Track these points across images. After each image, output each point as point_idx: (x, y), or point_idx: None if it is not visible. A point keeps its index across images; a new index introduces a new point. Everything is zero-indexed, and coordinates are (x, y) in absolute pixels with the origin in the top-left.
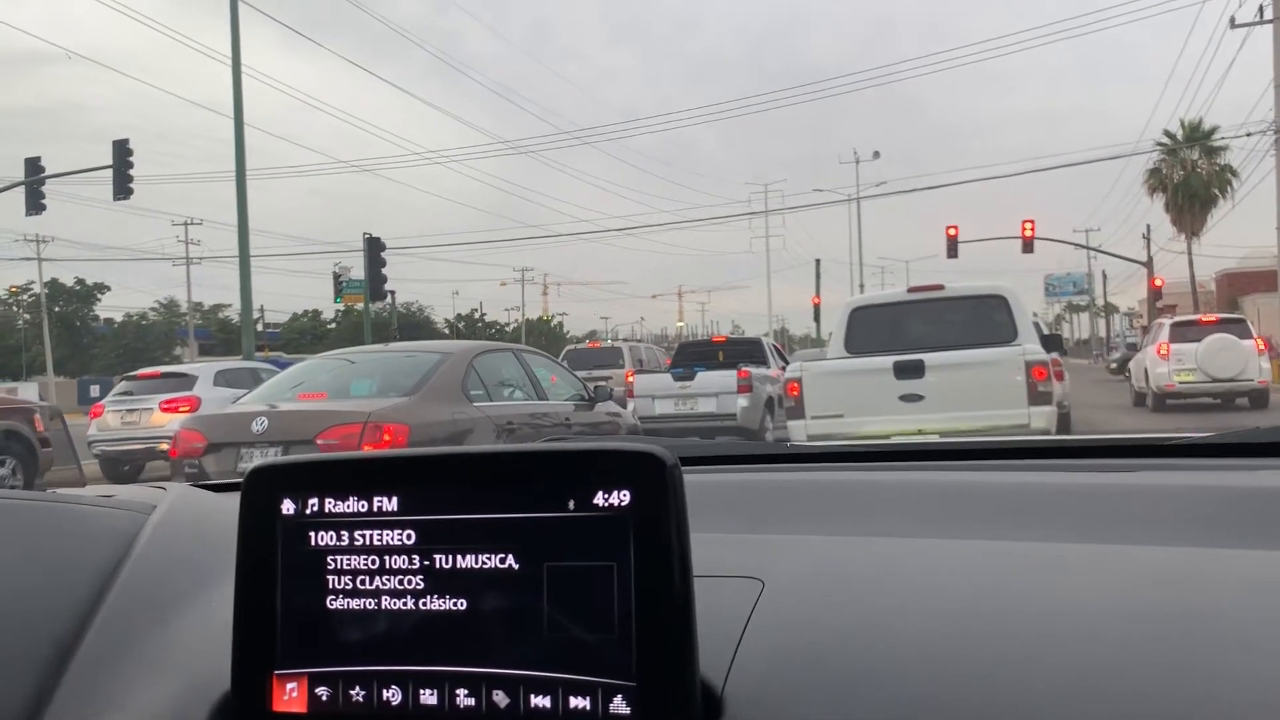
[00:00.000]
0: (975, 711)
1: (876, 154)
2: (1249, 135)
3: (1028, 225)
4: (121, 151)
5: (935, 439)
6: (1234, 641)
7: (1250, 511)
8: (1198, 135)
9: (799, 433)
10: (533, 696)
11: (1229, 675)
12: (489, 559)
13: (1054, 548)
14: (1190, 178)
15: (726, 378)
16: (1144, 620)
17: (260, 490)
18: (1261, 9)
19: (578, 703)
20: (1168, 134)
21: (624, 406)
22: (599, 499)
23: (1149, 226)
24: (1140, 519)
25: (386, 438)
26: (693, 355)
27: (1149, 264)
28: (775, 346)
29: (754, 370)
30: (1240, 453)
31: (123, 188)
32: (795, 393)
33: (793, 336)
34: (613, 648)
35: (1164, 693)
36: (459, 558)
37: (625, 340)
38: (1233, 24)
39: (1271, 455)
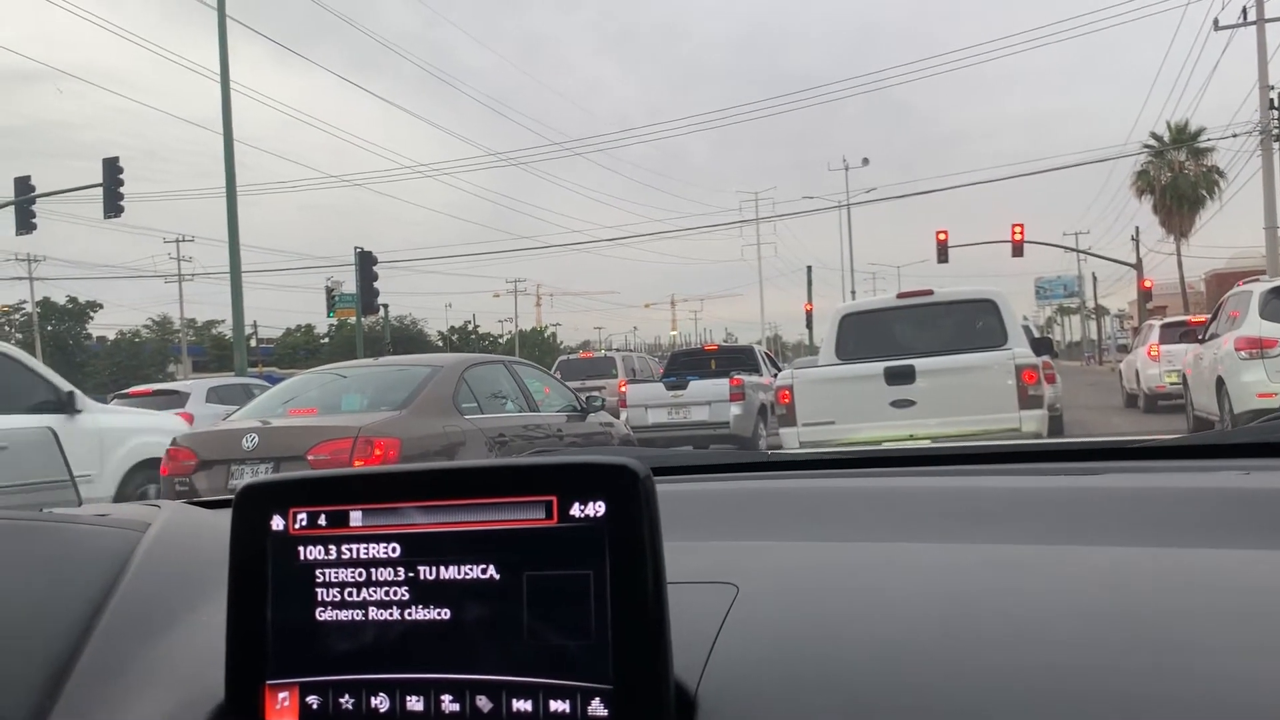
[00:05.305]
0: (935, 711)
1: (865, 161)
2: (1235, 136)
3: (1017, 229)
4: (112, 169)
5: (920, 444)
6: (1176, 640)
7: (1202, 512)
8: (1184, 137)
9: (791, 440)
10: (514, 701)
11: (1170, 673)
12: (470, 570)
13: (1016, 550)
14: (1178, 179)
15: (719, 386)
16: (1092, 620)
17: (251, 508)
18: (1245, 11)
19: (557, 706)
20: (1154, 136)
21: (617, 416)
22: (575, 510)
23: (1138, 228)
24: (1100, 521)
25: (378, 452)
26: (685, 364)
27: (1138, 266)
28: (767, 354)
29: (746, 378)
30: (1205, 454)
31: (113, 205)
32: (787, 400)
33: (786, 344)
34: (590, 653)
35: (1108, 691)
36: (442, 569)
37: (618, 350)
38: (1216, 26)
39: (1234, 456)
